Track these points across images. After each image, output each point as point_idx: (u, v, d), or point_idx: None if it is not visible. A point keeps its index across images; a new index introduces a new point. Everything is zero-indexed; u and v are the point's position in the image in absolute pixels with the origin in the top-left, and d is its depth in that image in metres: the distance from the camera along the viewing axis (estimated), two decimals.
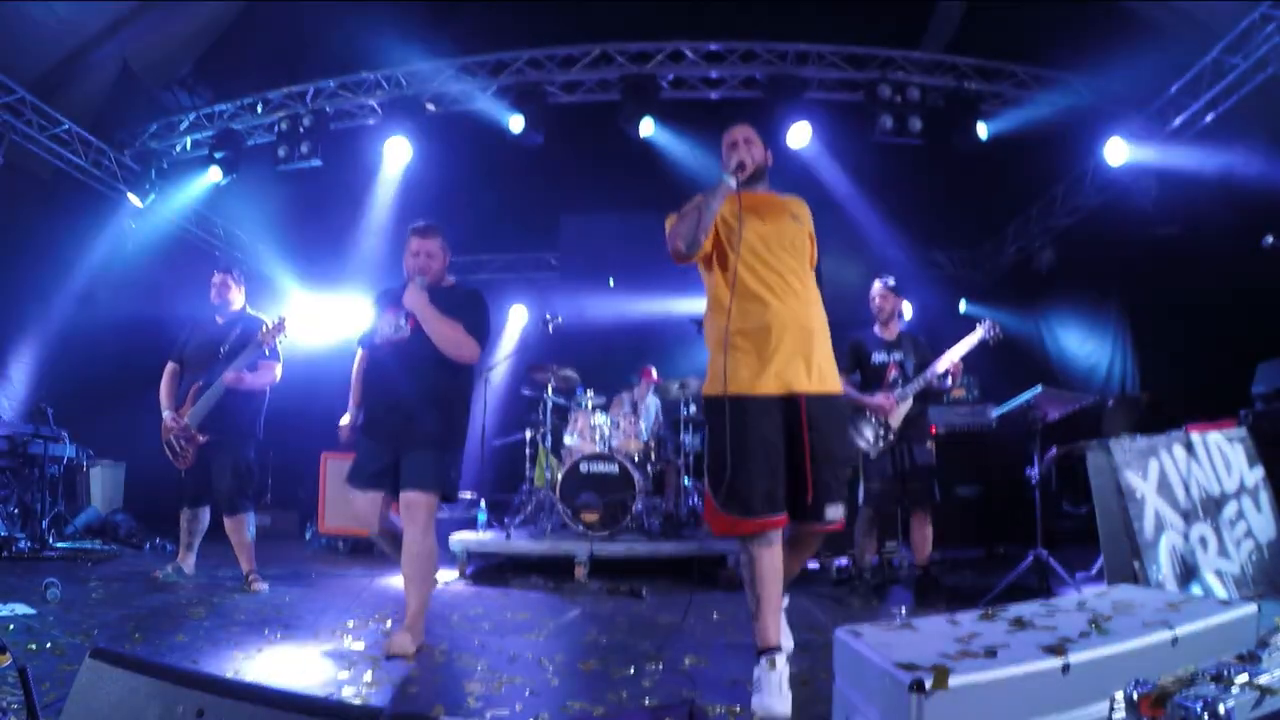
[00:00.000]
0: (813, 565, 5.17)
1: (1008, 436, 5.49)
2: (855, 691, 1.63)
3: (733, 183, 2.50)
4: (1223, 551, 3.25)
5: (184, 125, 6.86)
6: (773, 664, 2.19)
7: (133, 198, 6.78)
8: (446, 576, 4.64)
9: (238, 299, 4.40)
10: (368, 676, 2.50)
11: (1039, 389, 4.02)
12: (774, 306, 2.42)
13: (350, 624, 3.32)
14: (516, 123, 6.22)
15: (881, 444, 4.04)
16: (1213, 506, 3.31)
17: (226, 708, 1.16)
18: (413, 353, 3.01)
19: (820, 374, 2.44)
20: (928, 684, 1.33)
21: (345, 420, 3.27)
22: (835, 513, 2.39)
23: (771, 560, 2.32)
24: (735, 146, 2.58)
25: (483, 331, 3.08)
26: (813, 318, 2.49)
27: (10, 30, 5.31)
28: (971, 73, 6.20)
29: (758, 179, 2.62)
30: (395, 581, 4.55)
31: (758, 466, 2.31)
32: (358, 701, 2.24)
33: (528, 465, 6.11)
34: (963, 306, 8.69)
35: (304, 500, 7.15)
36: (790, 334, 2.41)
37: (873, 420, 4.08)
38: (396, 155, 6.49)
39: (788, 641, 2.61)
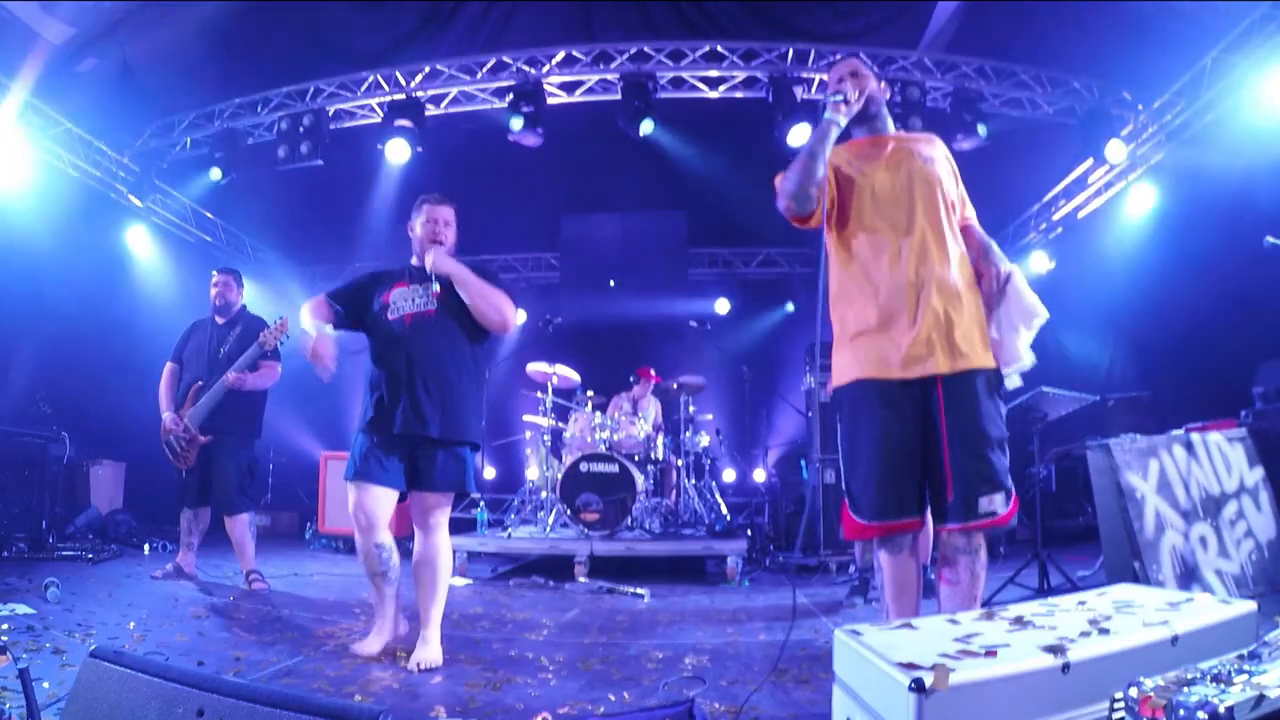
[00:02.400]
0: (813, 565, 5.17)
1: (1008, 436, 5.48)
2: (855, 691, 1.63)
3: (839, 119, 2.11)
4: (1223, 551, 3.25)
5: (184, 125, 6.86)
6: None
7: (133, 198, 6.77)
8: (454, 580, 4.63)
9: (238, 299, 4.40)
10: (368, 676, 2.50)
11: (1039, 389, 4.02)
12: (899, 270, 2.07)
13: (350, 624, 3.32)
14: (516, 123, 6.22)
15: None
16: (1213, 506, 3.31)
17: (226, 708, 1.16)
18: (441, 327, 2.73)
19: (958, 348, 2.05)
20: (928, 684, 1.33)
21: None
22: (993, 505, 1.99)
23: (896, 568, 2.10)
24: (841, 82, 2.20)
25: (513, 294, 2.83)
26: (952, 279, 2.08)
27: (10, 30, 5.31)
28: (971, 73, 6.20)
29: (866, 113, 2.23)
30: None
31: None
32: (358, 701, 2.24)
33: (528, 465, 6.12)
34: None
35: (304, 500, 7.15)
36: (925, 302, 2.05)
37: None
38: (396, 155, 6.49)
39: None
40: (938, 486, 2.04)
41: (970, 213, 2.31)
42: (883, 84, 2.33)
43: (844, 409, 2.18)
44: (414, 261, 2.89)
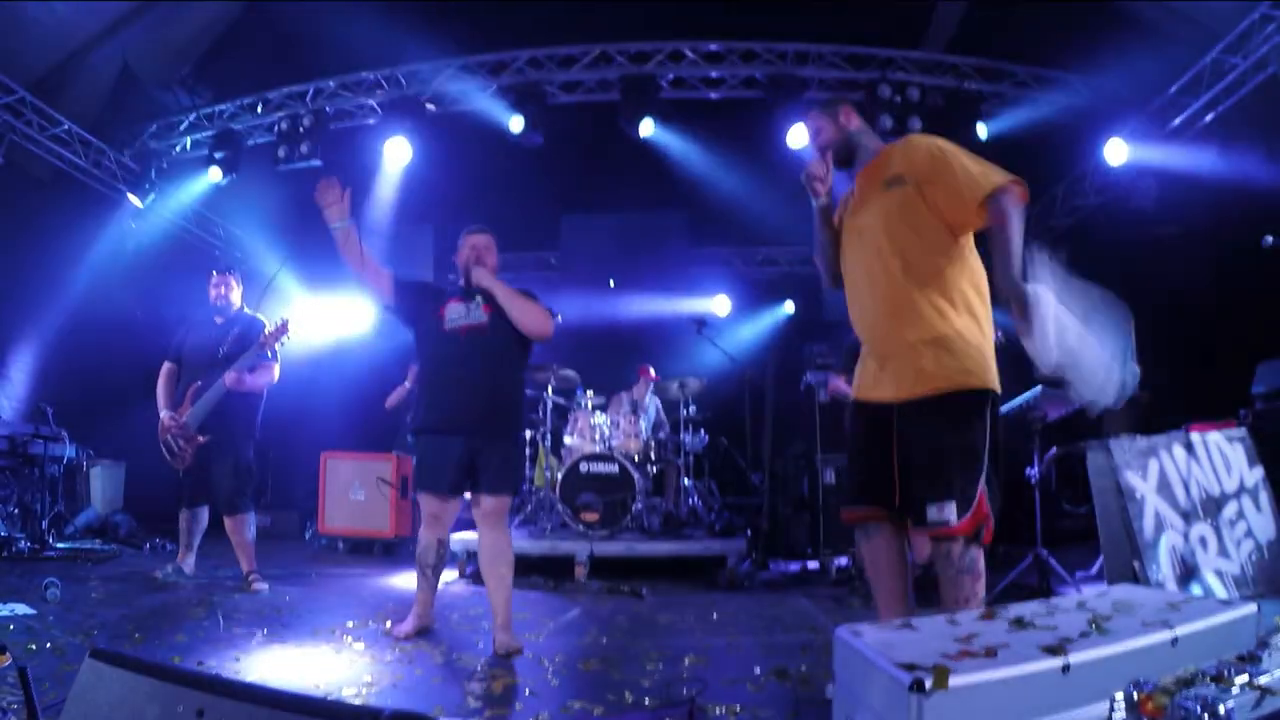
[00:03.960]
0: (813, 565, 5.18)
1: (1008, 436, 5.48)
2: (855, 691, 1.63)
3: (818, 203, 2.41)
4: (1223, 551, 3.25)
5: (184, 125, 6.86)
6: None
7: (133, 198, 6.77)
8: (447, 576, 4.64)
9: (236, 299, 4.40)
10: (368, 676, 2.51)
11: (1039, 389, 4.02)
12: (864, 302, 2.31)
13: (350, 624, 3.32)
14: (516, 123, 6.22)
15: None
16: (1213, 506, 3.31)
17: (226, 708, 1.16)
18: (492, 341, 2.99)
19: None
20: (928, 684, 1.33)
21: None
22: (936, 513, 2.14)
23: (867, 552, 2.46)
24: (806, 174, 2.40)
25: (551, 309, 3.14)
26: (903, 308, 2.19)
27: (10, 30, 5.31)
28: (971, 73, 6.20)
29: (846, 157, 2.38)
30: (397, 581, 4.57)
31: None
32: (358, 701, 2.24)
33: (528, 465, 6.11)
34: None
35: (304, 500, 7.15)
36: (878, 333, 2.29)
37: None
38: (396, 155, 6.49)
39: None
40: (902, 495, 2.24)
41: (972, 196, 2.13)
42: (842, 115, 2.38)
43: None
44: (460, 282, 3.16)
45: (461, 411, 2.92)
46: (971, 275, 2.28)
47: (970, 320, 2.23)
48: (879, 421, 2.26)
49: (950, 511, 2.13)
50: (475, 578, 4.79)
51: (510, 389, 3.06)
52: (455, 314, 3.03)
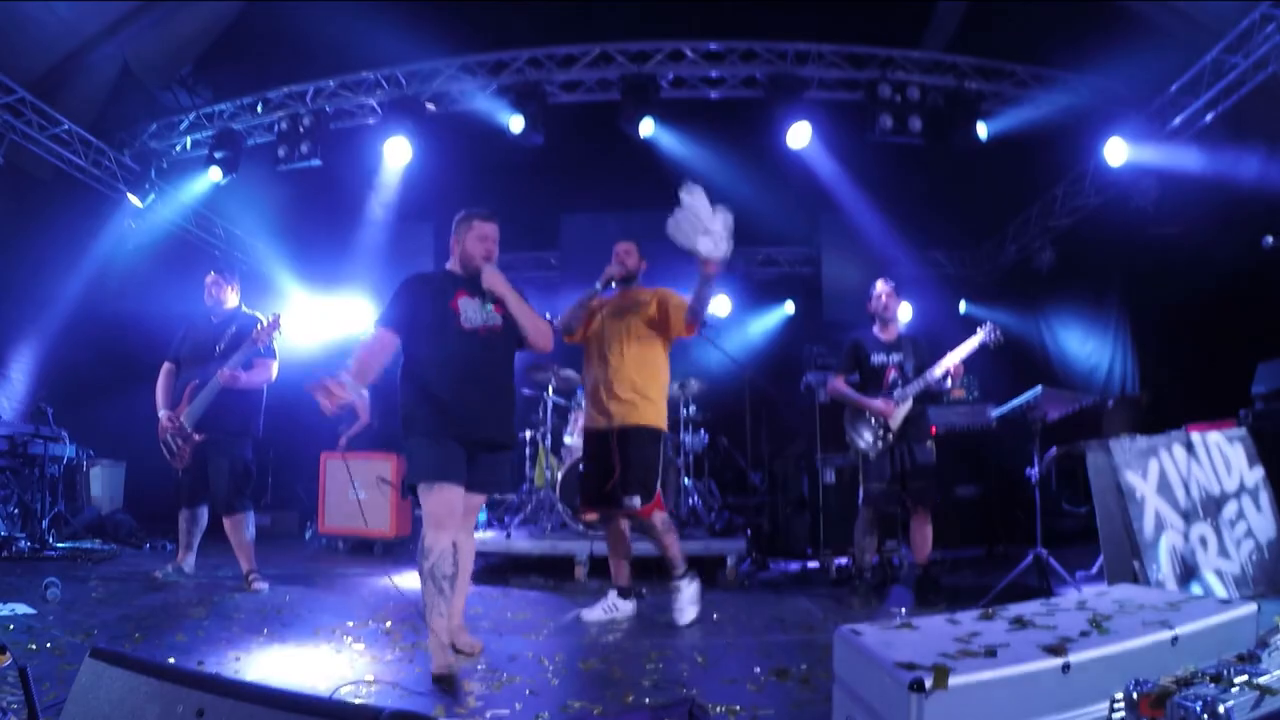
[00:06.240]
0: (813, 565, 5.17)
1: (1008, 436, 5.49)
2: (855, 691, 1.63)
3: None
4: (1223, 551, 3.25)
5: (184, 125, 6.86)
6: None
7: (133, 198, 6.77)
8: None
9: (232, 298, 4.40)
10: (368, 676, 2.51)
11: (1039, 389, 4.02)
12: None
13: (350, 624, 3.32)
14: (516, 123, 6.21)
15: (880, 445, 4.04)
16: (1213, 506, 3.31)
17: (226, 708, 1.16)
18: (505, 342, 2.91)
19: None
20: (928, 684, 1.33)
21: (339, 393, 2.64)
22: (632, 502, 3.42)
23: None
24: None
25: (553, 324, 3.14)
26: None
27: (10, 30, 5.31)
28: (971, 73, 6.20)
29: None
30: (398, 581, 4.56)
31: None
32: (358, 701, 2.24)
33: (528, 465, 6.11)
34: (963, 307, 8.68)
35: (304, 500, 7.15)
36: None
37: (872, 421, 4.08)
38: (396, 155, 6.48)
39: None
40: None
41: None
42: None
43: None
44: (457, 270, 2.95)
45: (473, 416, 2.76)
46: None
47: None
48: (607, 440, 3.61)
49: (638, 502, 3.47)
50: (475, 578, 4.78)
51: (512, 393, 3.02)
52: (470, 311, 2.84)
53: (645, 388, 3.61)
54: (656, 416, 3.63)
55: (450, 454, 2.71)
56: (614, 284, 3.78)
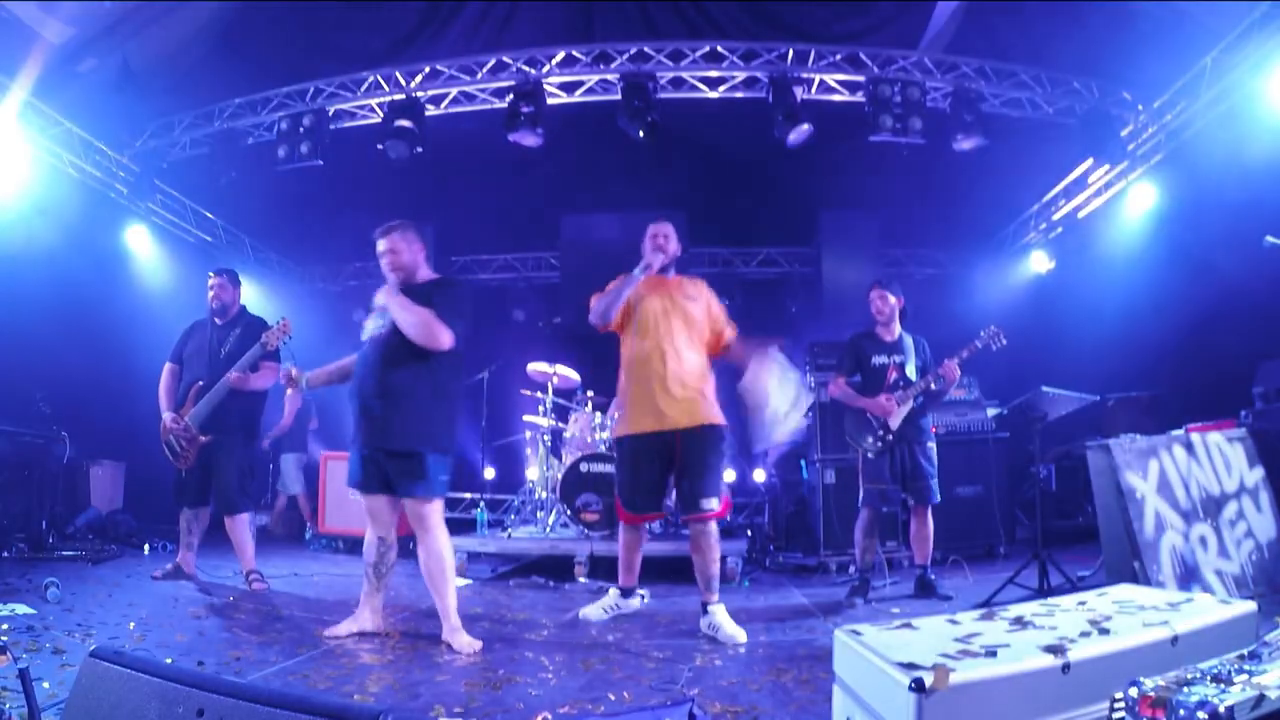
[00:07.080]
0: (813, 564, 5.17)
1: (1008, 436, 5.49)
2: (855, 691, 1.63)
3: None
4: (1223, 551, 3.25)
5: (184, 125, 6.86)
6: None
7: (133, 198, 6.77)
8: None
9: (235, 300, 4.40)
10: (369, 676, 2.50)
11: (1039, 389, 4.02)
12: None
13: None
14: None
15: (880, 445, 4.04)
16: (1213, 506, 3.31)
17: (226, 708, 1.16)
18: (394, 346, 2.97)
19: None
20: (928, 684, 1.33)
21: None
22: (710, 505, 3.26)
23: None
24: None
25: (454, 315, 2.98)
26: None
27: (10, 30, 5.30)
28: (971, 73, 6.20)
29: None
30: (398, 581, 4.55)
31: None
32: (358, 701, 2.24)
33: (528, 465, 6.11)
34: (963, 308, 8.67)
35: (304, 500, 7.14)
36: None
37: (872, 422, 4.08)
38: (396, 155, 6.48)
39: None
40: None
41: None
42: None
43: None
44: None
45: (367, 425, 3.00)
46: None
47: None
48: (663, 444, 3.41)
49: (714, 503, 3.31)
50: (475, 578, 4.79)
51: (414, 396, 3.00)
52: (371, 325, 3.10)
53: (702, 383, 3.45)
54: (718, 413, 3.47)
55: (355, 464, 3.03)
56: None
